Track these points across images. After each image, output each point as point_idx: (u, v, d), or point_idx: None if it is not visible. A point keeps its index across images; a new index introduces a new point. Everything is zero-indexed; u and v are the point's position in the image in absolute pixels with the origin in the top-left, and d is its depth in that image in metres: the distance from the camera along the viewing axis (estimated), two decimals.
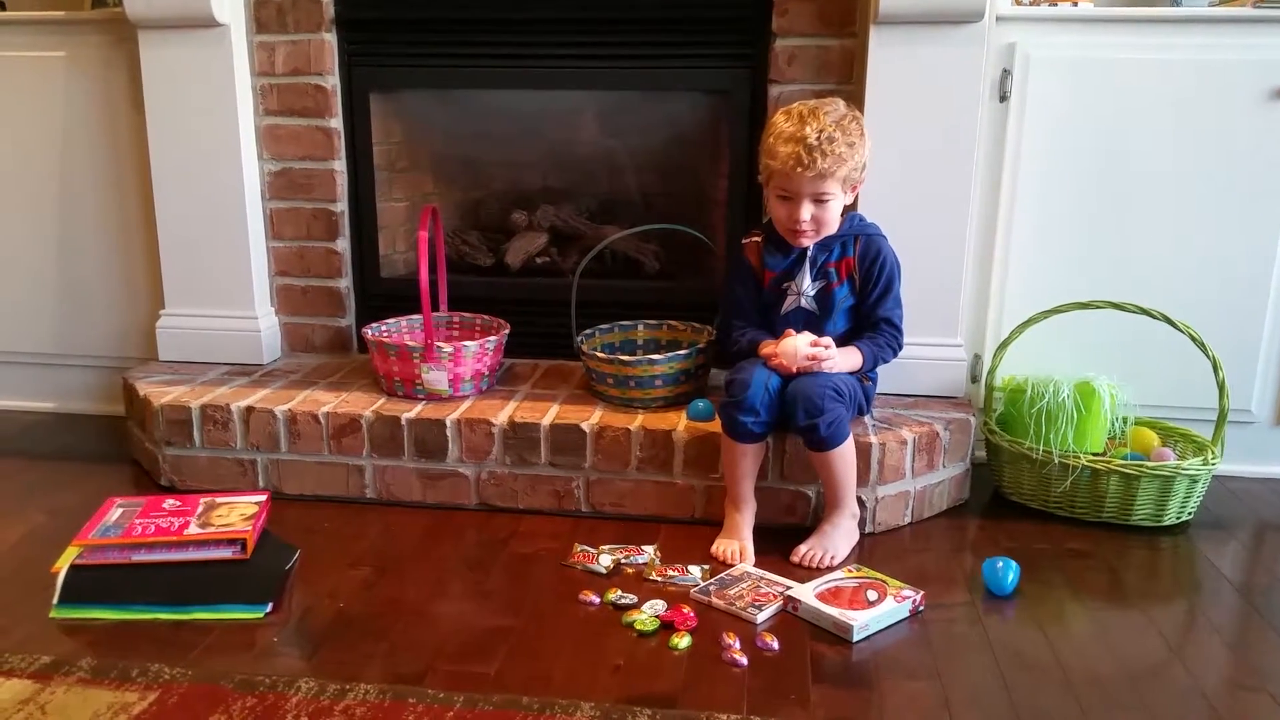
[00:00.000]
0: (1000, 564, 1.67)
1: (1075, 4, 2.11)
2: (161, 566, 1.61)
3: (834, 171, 1.74)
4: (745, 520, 1.81)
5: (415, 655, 1.47)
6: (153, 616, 1.57)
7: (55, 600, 1.58)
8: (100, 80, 2.34)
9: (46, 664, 1.43)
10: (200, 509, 1.71)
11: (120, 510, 1.70)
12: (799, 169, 1.73)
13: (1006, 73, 2.02)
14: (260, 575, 1.63)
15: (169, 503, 1.73)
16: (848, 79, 2.07)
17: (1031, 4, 2.11)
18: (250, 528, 1.64)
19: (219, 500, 1.75)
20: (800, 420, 1.72)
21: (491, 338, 2.10)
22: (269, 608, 1.59)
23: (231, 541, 1.63)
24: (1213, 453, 1.92)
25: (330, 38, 2.23)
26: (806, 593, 1.60)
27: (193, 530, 1.63)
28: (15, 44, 2.36)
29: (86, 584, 1.59)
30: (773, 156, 1.77)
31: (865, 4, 2.01)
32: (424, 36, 2.25)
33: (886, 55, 1.96)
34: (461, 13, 2.20)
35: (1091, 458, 1.91)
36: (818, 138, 1.72)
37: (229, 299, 2.31)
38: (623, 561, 1.75)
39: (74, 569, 1.60)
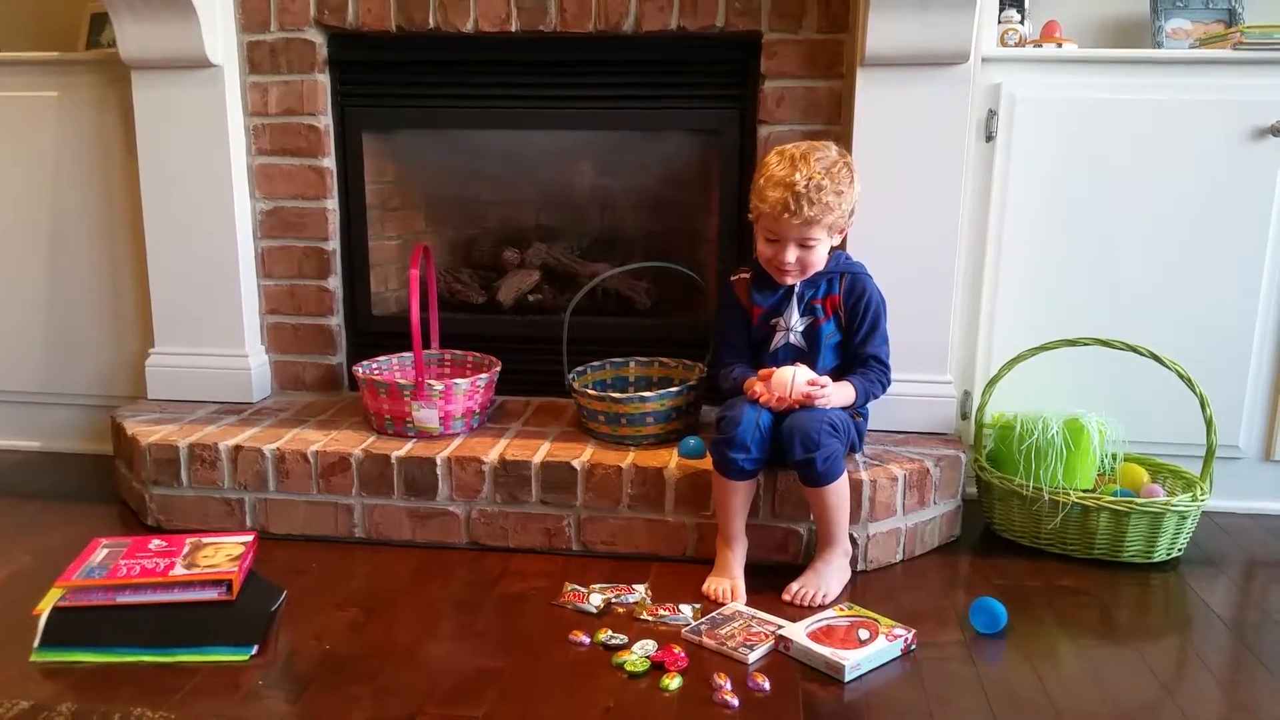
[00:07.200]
0: (986, 608, 1.66)
1: (1059, 45, 2.14)
2: (146, 608, 1.59)
3: (820, 219, 1.76)
4: (737, 558, 1.80)
5: (403, 698, 1.45)
6: (136, 659, 1.54)
7: (36, 643, 1.55)
8: (93, 120, 2.35)
9: (26, 709, 1.40)
10: (186, 549, 1.69)
11: (105, 551, 1.68)
12: (786, 215, 1.75)
13: (992, 113, 2.05)
14: (246, 617, 1.61)
15: (155, 543, 1.71)
16: (836, 120, 2.10)
17: (1016, 46, 2.15)
18: (236, 568, 1.63)
19: (205, 540, 1.73)
20: (797, 454, 1.71)
21: (483, 375, 2.10)
22: (255, 650, 1.57)
23: (217, 582, 1.61)
24: (1201, 489, 1.93)
25: (323, 78, 2.25)
26: (798, 632, 1.59)
27: (178, 571, 1.61)
28: (8, 84, 2.37)
29: (69, 626, 1.56)
30: (762, 199, 1.79)
31: (852, 47, 2.04)
32: (417, 77, 2.27)
33: (873, 96, 1.99)
34: (454, 54, 2.23)
35: (1081, 494, 1.91)
36: (806, 185, 1.73)
37: (219, 337, 2.31)
38: (613, 601, 1.74)
39: (56, 611, 1.57)
